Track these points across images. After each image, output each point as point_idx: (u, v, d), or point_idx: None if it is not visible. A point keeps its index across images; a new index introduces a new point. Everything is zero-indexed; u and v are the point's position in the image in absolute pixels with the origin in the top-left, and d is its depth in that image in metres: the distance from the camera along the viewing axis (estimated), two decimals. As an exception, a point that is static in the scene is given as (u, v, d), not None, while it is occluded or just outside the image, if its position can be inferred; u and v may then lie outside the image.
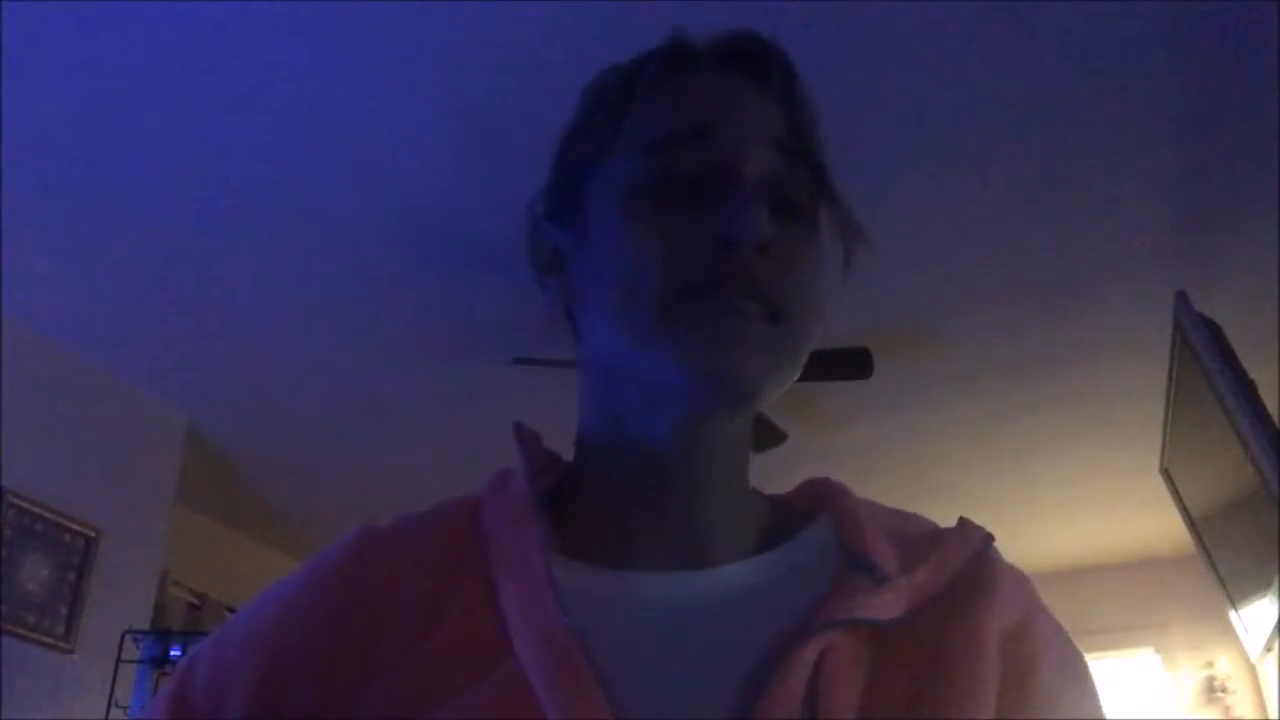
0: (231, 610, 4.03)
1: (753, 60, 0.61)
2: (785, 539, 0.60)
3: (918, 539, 0.60)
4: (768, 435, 3.04)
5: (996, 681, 0.53)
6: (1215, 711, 4.33)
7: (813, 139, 0.60)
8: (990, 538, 0.60)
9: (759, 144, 0.58)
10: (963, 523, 0.61)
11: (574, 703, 0.49)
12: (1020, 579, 0.60)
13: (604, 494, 0.61)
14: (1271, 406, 2.36)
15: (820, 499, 0.63)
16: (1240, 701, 4.33)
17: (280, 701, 0.55)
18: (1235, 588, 2.97)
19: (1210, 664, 4.39)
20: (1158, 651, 4.56)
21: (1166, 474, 3.19)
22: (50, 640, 2.91)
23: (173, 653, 2.97)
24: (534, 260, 0.65)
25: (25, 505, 2.89)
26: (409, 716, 0.51)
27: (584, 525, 0.60)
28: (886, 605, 0.54)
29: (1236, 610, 3.02)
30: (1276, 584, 2.54)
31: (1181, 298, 2.55)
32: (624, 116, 0.60)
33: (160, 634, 3.09)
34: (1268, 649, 3.11)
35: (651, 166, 0.57)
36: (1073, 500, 4.14)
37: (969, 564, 0.58)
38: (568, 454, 0.66)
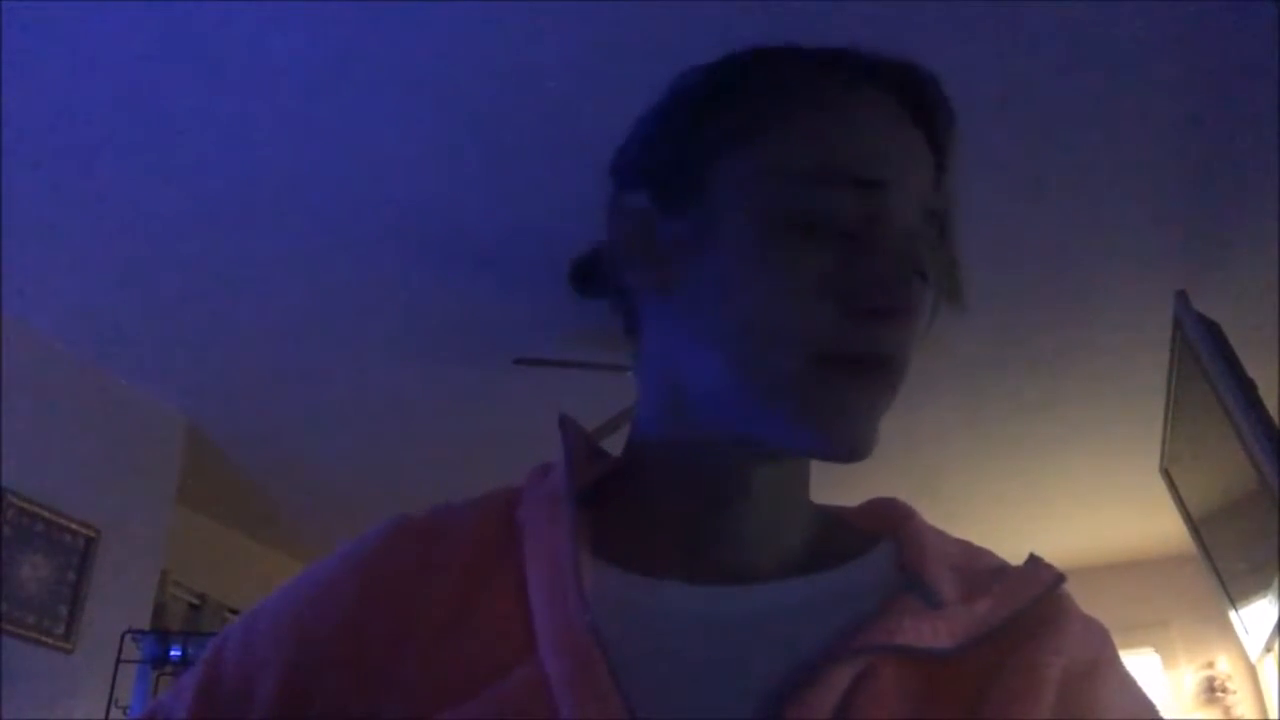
0: (232, 610, 4.03)
1: (922, 101, 0.58)
2: (840, 559, 0.58)
3: (983, 572, 0.58)
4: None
5: None
6: (1215, 711, 4.33)
7: (951, 198, 0.59)
8: (1062, 578, 0.58)
9: (915, 207, 0.55)
10: (1033, 560, 0.59)
11: (589, 703, 0.48)
12: (1093, 625, 0.58)
13: (649, 500, 0.59)
14: (1271, 406, 2.36)
15: (885, 522, 0.61)
16: (1240, 701, 4.33)
17: (310, 686, 0.55)
18: (1235, 588, 2.97)
19: (1210, 664, 4.39)
20: (1158, 651, 4.56)
21: (1166, 474, 3.19)
22: (50, 640, 2.91)
23: (173, 653, 2.97)
24: (618, 236, 0.59)
25: (25, 505, 2.89)
26: (435, 708, 0.51)
27: (621, 528, 0.58)
28: (937, 633, 0.52)
29: (1236, 610, 3.02)
30: (1276, 584, 2.54)
31: (1181, 298, 2.55)
32: (788, 120, 0.56)
33: (160, 634, 3.09)
34: (1268, 649, 3.12)
35: (816, 200, 0.53)
36: (1073, 500, 4.14)
37: (1035, 602, 0.56)
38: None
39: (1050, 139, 2.31)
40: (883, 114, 0.56)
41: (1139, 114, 2.25)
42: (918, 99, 0.57)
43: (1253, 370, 2.37)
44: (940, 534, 0.61)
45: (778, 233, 0.53)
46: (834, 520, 0.62)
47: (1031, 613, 0.55)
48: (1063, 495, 4.10)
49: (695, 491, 0.57)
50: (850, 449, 0.53)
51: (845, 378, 0.52)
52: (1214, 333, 2.44)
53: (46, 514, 2.95)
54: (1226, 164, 2.39)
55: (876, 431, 0.54)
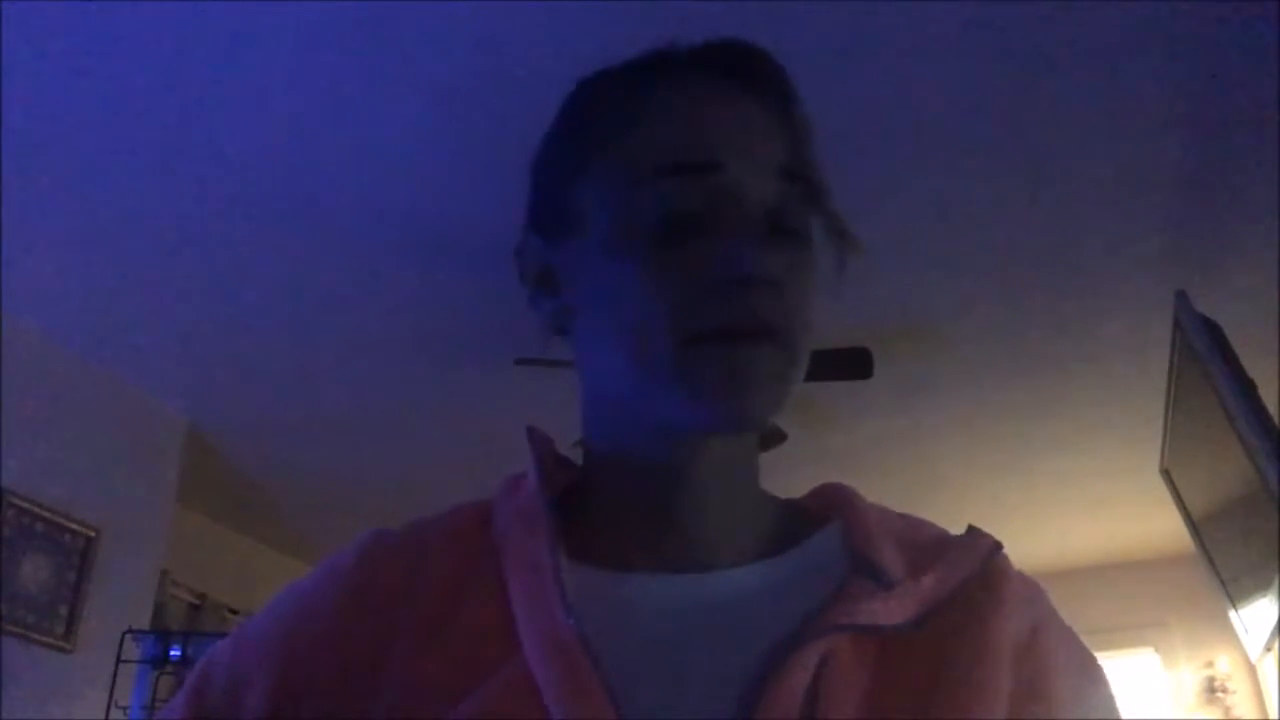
0: (232, 610, 4.04)
1: (751, 74, 0.60)
2: (795, 543, 0.60)
3: (926, 545, 0.60)
4: (767, 435, 3.04)
5: (1007, 690, 0.53)
6: (1215, 711, 4.33)
7: (810, 156, 0.60)
8: (999, 546, 0.60)
9: (763, 173, 0.57)
10: (971, 530, 0.62)
11: (578, 704, 0.50)
12: (1031, 587, 0.60)
13: (610, 499, 0.61)
14: (1271, 406, 2.36)
15: (831, 505, 0.64)
16: (1240, 701, 4.33)
17: (296, 702, 0.57)
18: (1235, 588, 2.97)
19: (1210, 664, 4.40)
20: (1158, 651, 4.56)
21: (1166, 474, 3.19)
22: (50, 640, 2.91)
23: (173, 653, 2.97)
24: (522, 275, 0.65)
25: (25, 505, 2.89)
26: (422, 716, 0.52)
27: (592, 528, 0.60)
28: (891, 611, 0.55)
29: (1236, 610, 3.02)
30: (1276, 584, 2.54)
31: (1181, 298, 2.55)
32: (620, 133, 0.59)
33: (160, 634, 3.08)
34: (1268, 649, 3.11)
35: (656, 198, 0.57)
36: (1073, 500, 4.14)
37: (978, 572, 0.58)
38: (568, 453, 0.66)
39: (1050, 139, 2.31)
40: (706, 97, 0.59)
41: (1139, 115, 2.25)
42: (745, 74, 0.60)
43: (1253, 370, 2.37)
44: (882, 511, 0.64)
45: (635, 235, 0.57)
46: (788, 507, 0.65)
47: (975, 582, 0.58)
48: (1063, 495, 4.10)
49: (645, 487, 0.60)
50: (738, 418, 0.55)
51: (722, 351, 0.54)
52: (1214, 333, 2.44)
53: (46, 514, 2.95)
54: (1226, 164, 2.39)
55: (774, 400, 0.56)
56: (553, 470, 0.63)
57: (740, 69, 0.60)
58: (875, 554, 0.58)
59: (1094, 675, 0.59)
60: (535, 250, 0.63)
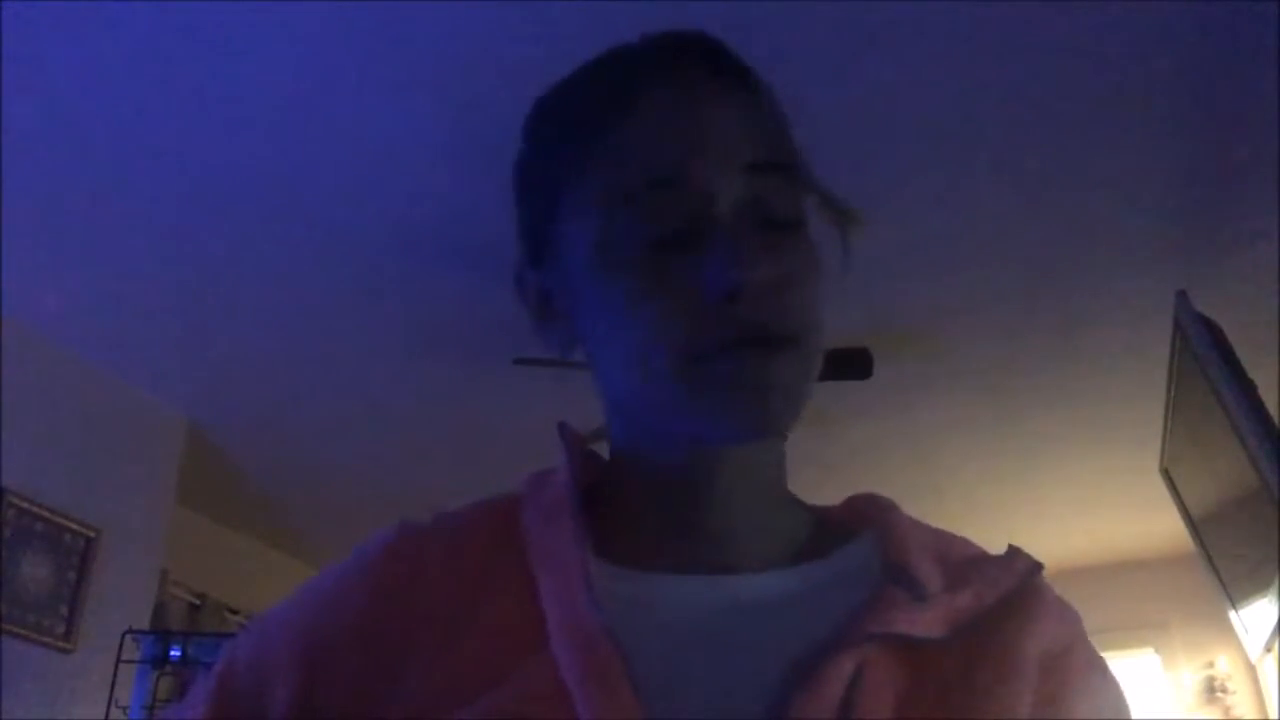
0: (232, 610, 4.03)
1: (709, 68, 0.58)
2: (825, 551, 0.59)
3: (963, 562, 0.59)
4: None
5: (1031, 706, 0.53)
6: (1215, 711, 4.33)
7: (782, 139, 0.58)
8: (1039, 566, 0.60)
9: (732, 172, 0.55)
10: (1012, 550, 0.61)
11: (605, 700, 0.50)
12: (1066, 610, 0.60)
13: (635, 498, 0.61)
14: (1271, 406, 2.36)
15: (866, 515, 0.63)
16: (1240, 701, 4.33)
17: (321, 691, 0.56)
18: (1235, 588, 2.97)
19: (1210, 664, 4.40)
20: (1158, 651, 4.56)
21: (1166, 474, 3.19)
22: (50, 640, 2.91)
23: (173, 653, 2.97)
24: (524, 303, 0.64)
25: (25, 505, 2.89)
26: (446, 708, 0.52)
27: (618, 527, 0.60)
28: (927, 623, 0.54)
29: (1236, 610, 3.02)
30: (1276, 584, 2.54)
31: (1181, 298, 2.55)
32: (586, 157, 0.58)
33: (160, 634, 3.08)
34: (1268, 649, 3.12)
35: (628, 220, 0.55)
36: (1073, 500, 4.14)
37: (1014, 591, 0.57)
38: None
39: (1050, 139, 2.31)
40: (665, 106, 0.57)
41: (1138, 114, 2.25)
42: (705, 64, 0.58)
43: (1253, 370, 2.37)
44: (919, 524, 0.62)
45: (618, 261, 0.55)
46: (817, 516, 0.64)
47: (1010, 600, 0.57)
48: (1063, 495, 4.10)
49: (669, 488, 0.59)
50: (754, 429, 0.55)
51: (727, 366, 0.53)
52: (1214, 333, 2.44)
53: (46, 514, 2.95)
54: (1226, 164, 2.39)
55: (789, 403, 0.55)
56: (581, 466, 0.63)
57: (697, 63, 0.58)
58: (911, 565, 0.57)
59: (1115, 700, 0.58)
60: (532, 278, 0.63)
